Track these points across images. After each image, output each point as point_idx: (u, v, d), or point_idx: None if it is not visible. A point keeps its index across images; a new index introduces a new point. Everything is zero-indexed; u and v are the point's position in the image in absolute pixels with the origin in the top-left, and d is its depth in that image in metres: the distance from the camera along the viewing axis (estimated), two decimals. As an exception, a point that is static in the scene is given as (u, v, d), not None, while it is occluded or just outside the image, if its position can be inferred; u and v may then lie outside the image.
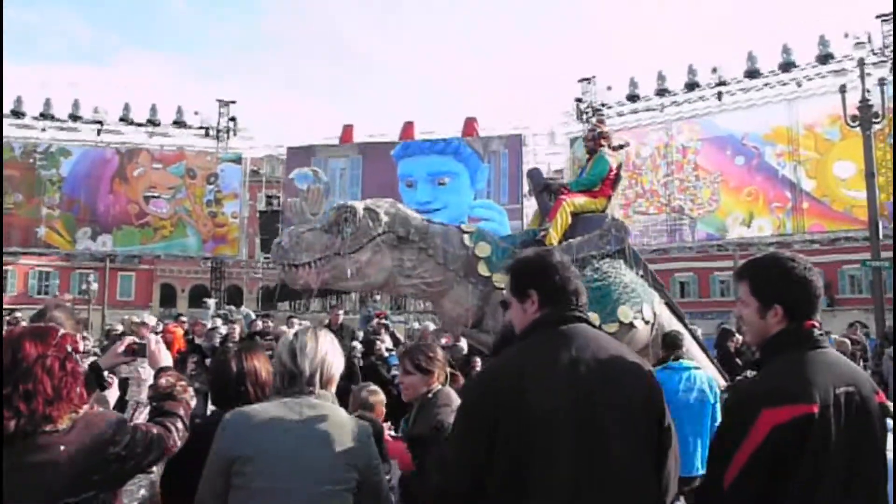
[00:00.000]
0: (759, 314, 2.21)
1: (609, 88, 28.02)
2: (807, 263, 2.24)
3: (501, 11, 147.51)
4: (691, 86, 25.82)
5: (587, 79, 28.56)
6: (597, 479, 1.95)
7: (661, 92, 26.44)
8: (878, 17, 23.05)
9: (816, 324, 2.19)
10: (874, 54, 21.99)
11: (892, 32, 22.61)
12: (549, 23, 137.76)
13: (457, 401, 3.16)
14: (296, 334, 2.50)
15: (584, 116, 28.31)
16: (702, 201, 25.46)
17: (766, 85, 24.74)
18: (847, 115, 18.46)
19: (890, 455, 3.29)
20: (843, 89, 18.80)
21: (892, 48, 22.37)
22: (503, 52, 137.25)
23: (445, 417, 3.03)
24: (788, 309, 2.16)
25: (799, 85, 24.25)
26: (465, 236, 6.76)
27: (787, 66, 24.10)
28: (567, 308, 2.18)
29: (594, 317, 6.47)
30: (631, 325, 6.38)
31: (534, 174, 8.48)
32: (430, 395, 3.40)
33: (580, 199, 7.36)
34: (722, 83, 25.31)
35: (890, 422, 3.43)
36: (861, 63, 19.55)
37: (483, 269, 6.60)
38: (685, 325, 7.19)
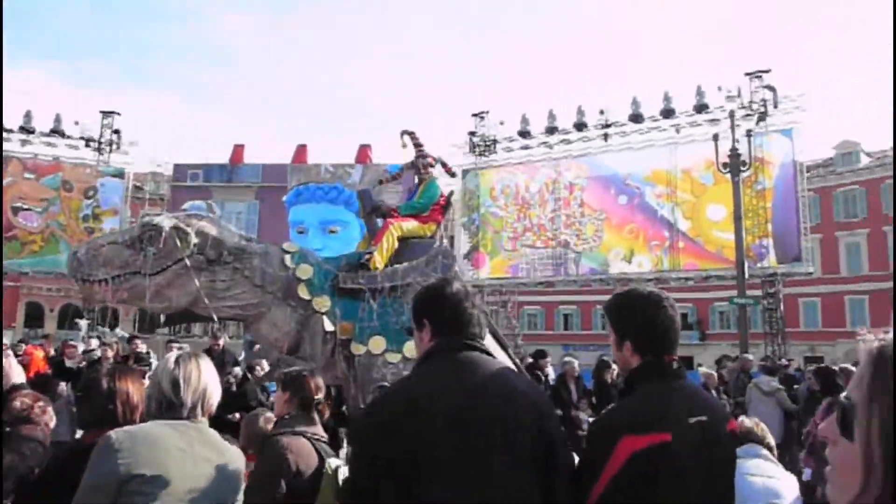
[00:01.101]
0: (617, 347, 2.32)
1: (501, 123, 28.87)
2: (660, 301, 2.32)
3: (399, 39, 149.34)
4: (580, 126, 26.95)
5: (480, 113, 29.25)
6: (478, 495, 1.96)
7: (551, 130, 27.45)
8: (747, 74, 24.86)
9: (675, 358, 2.32)
10: (743, 107, 23.68)
11: (760, 88, 24.47)
12: (446, 55, 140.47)
13: None
14: (177, 361, 2.42)
15: (477, 150, 28.97)
16: (586, 237, 26.49)
17: (648, 129, 26.14)
18: (719, 162, 19.72)
19: (757, 480, 3.52)
20: (716, 138, 20.11)
21: (761, 102, 24.20)
22: (400, 80, 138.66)
23: None
24: (637, 344, 2.27)
25: (678, 131, 25.75)
26: (287, 257, 6.57)
27: (667, 113, 25.60)
28: (459, 336, 2.19)
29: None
30: None
31: (364, 195, 8.29)
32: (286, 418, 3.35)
33: (409, 224, 7.27)
34: (608, 125, 26.56)
35: (758, 448, 3.66)
36: (731, 115, 20.98)
37: (304, 292, 6.41)
38: (509, 355, 7.22)
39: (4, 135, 27.51)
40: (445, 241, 8.35)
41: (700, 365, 21.72)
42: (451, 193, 7.95)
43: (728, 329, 36.45)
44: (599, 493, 2.02)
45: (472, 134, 29.11)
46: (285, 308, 6.38)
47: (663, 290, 2.48)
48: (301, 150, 30.45)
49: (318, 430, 3.22)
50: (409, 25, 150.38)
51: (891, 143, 41.40)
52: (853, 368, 5.47)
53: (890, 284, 35.22)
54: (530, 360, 11.19)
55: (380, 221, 7.49)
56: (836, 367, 7.71)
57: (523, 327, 36.64)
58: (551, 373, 11.59)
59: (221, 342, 11.07)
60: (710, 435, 2.16)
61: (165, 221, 6.01)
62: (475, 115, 29.37)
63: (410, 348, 6.50)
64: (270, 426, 3.94)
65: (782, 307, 25.09)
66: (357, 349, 6.40)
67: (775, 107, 24.48)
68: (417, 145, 7.98)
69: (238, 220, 28.76)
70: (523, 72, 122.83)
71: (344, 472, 2.72)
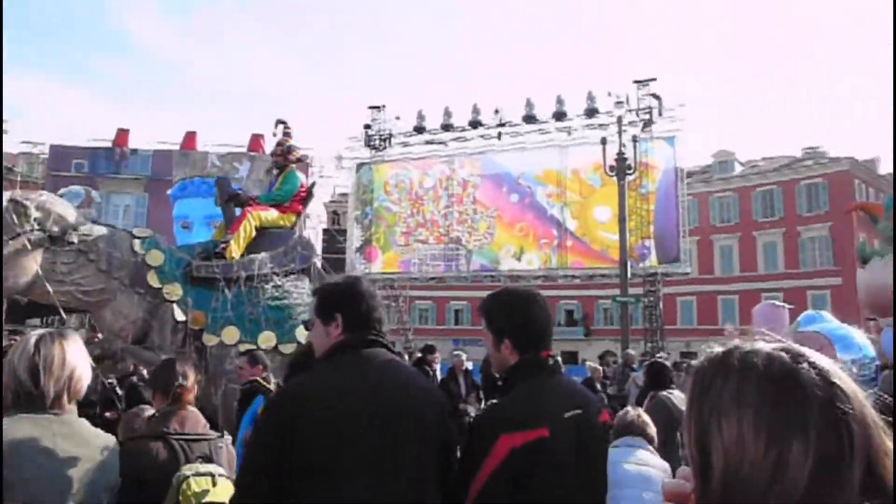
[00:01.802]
0: (494, 345, 2.35)
1: (398, 118, 28.77)
2: (534, 299, 2.40)
3: (299, 30, 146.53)
4: (475, 124, 27.20)
5: (377, 107, 29.09)
6: (393, 479, 1.98)
7: (447, 127, 27.59)
8: (635, 82, 25.84)
9: (551, 354, 2.39)
10: (630, 112, 24.62)
11: (646, 96, 25.51)
12: (344, 47, 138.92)
13: None
14: (37, 344, 2.12)
15: (372, 143, 28.81)
16: (478, 233, 26.87)
17: (541, 130, 26.71)
18: (606, 165, 20.48)
19: (631, 467, 3.67)
20: (603, 142, 20.87)
21: (647, 110, 25.24)
22: (296, 70, 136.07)
23: None
24: (515, 342, 2.31)
25: (569, 133, 26.43)
26: (137, 242, 6.29)
27: (559, 116, 26.19)
28: (369, 333, 2.21)
29: (270, 336, 6.31)
30: None
31: (222, 183, 8.07)
32: None
33: (268, 214, 7.14)
34: (502, 124, 26.92)
35: (638, 438, 3.82)
36: (619, 121, 21.81)
37: (153, 280, 6.16)
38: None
39: None
40: (306, 231, 8.21)
41: (585, 360, 22.49)
42: (314, 184, 7.83)
43: (611, 325, 37.83)
44: (478, 488, 2.07)
45: (368, 127, 28.89)
46: (132, 296, 6.09)
47: (537, 288, 2.56)
48: (190, 137, 29.39)
49: (195, 425, 2.94)
50: (310, 16, 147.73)
51: (762, 155, 44.27)
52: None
53: (758, 285, 37.69)
54: (419, 354, 11.26)
55: (238, 210, 7.29)
56: (671, 362, 8.15)
57: (414, 321, 36.80)
58: (439, 368, 11.75)
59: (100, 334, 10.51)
60: (584, 428, 2.24)
61: (4, 194, 5.59)
62: (372, 107, 29.17)
63: (266, 339, 6.35)
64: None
65: (661, 305, 26.30)
66: (209, 340, 6.20)
67: (660, 114, 25.55)
68: (286, 135, 7.85)
69: (126, 212, 27.56)
70: (421, 68, 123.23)
71: (196, 483, 2.55)
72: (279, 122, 7.89)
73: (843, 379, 0.90)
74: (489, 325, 2.38)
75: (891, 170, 43.17)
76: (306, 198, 7.61)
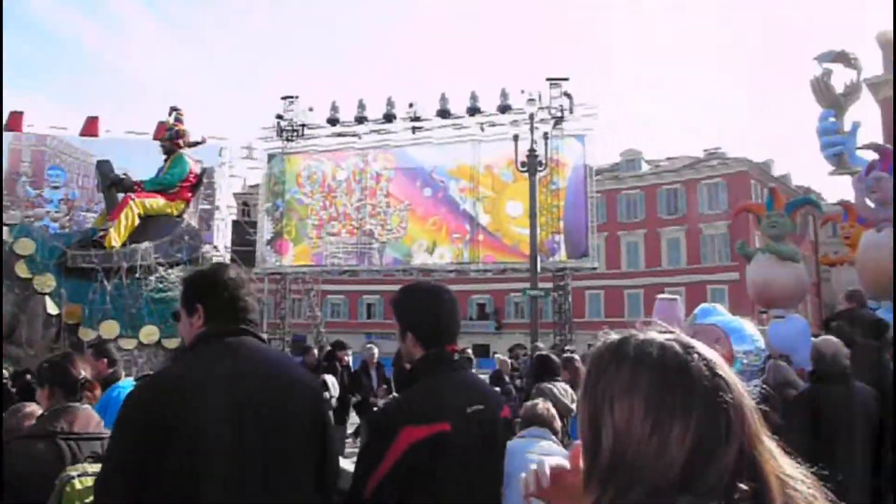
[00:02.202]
0: (402, 339, 2.37)
1: (311, 109, 28.35)
2: (441, 294, 2.43)
3: (211, 20, 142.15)
4: (389, 117, 27.09)
5: (290, 97, 28.56)
6: (263, 475, 1.93)
7: (361, 119, 27.37)
8: (548, 79, 26.30)
9: (456, 349, 2.41)
10: (542, 110, 25.05)
11: (558, 95, 26.02)
12: (257, 36, 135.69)
13: None
14: None
15: (285, 134, 28.30)
16: (391, 227, 26.79)
17: (454, 125, 26.85)
18: (518, 161, 20.75)
19: (534, 457, 3.73)
20: (516, 138, 21.14)
21: (559, 108, 25.76)
22: (208, 55, 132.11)
23: None
24: (420, 336, 2.33)
25: (482, 129, 26.66)
26: (5, 230, 6.05)
27: (473, 111, 26.39)
28: (233, 322, 2.13)
29: (153, 330, 6.05)
30: None
31: (102, 167, 7.66)
32: None
33: (153, 201, 6.83)
34: (417, 118, 26.93)
35: (544, 430, 3.89)
36: (532, 118, 22.11)
37: (22, 270, 5.82)
38: None
39: None
40: (194, 220, 7.91)
41: (496, 353, 22.82)
42: (204, 171, 7.57)
43: (522, 318, 38.52)
44: (378, 480, 2.06)
45: (281, 118, 28.34)
46: None
47: (444, 283, 2.57)
48: (92, 122, 28.07)
49: (86, 423, 2.80)
50: (223, 5, 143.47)
51: (667, 154, 45.91)
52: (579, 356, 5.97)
53: (662, 280, 39.13)
54: (328, 348, 11.17)
55: (121, 196, 6.98)
56: (580, 354, 8.41)
57: (326, 315, 36.43)
58: (351, 361, 11.74)
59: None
60: (486, 423, 2.27)
61: None
62: (285, 98, 28.62)
63: (148, 334, 6.08)
64: (32, 422, 3.58)
65: (570, 299, 26.95)
66: (86, 334, 5.90)
67: (571, 113, 26.11)
68: (178, 121, 7.59)
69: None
70: (335, 60, 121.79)
71: (81, 483, 2.44)
72: (172, 109, 7.61)
73: (726, 370, 0.96)
74: (397, 318, 2.39)
75: (784, 171, 45.58)
76: (196, 184, 7.32)
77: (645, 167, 44.28)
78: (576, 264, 25.95)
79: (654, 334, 1.00)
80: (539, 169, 20.69)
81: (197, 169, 7.14)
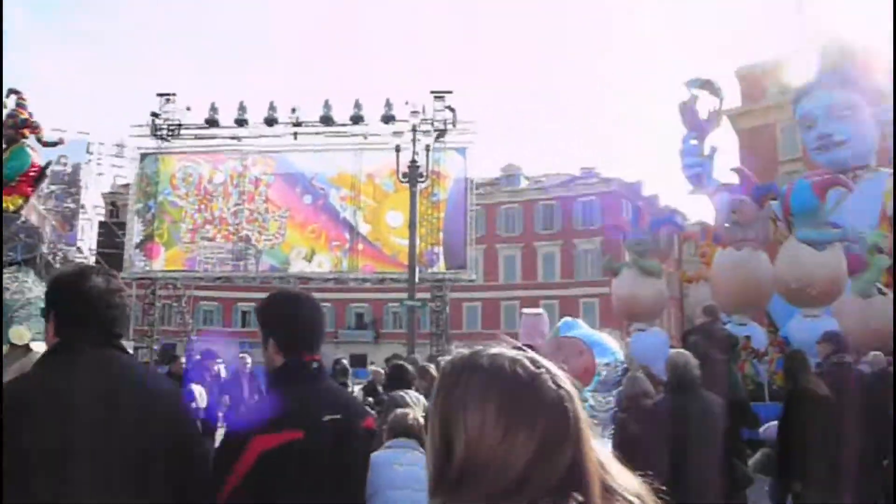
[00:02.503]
0: (264, 346, 2.35)
1: (188, 109, 27.38)
2: (303, 302, 2.41)
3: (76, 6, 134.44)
4: (270, 121, 26.54)
5: (167, 95, 27.47)
6: (102, 486, 1.84)
7: (241, 122, 26.67)
8: (432, 92, 26.61)
9: (317, 358, 2.40)
10: (425, 122, 25.30)
11: (442, 108, 26.37)
12: (133, 28, 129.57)
13: None
14: None
15: (160, 133, 27.20)
16: (269, 233, 26.24)
17: (337, 133, 26.65)
18: (400, 172, 20.87)
19: (400, 468, 3.74)
20: (398, 149, 21.25)
21: (442, 121, 26.09)
22: (74, 48, 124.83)
23: None
24: (280, 344, 2.31)
25: (365, 138, 26.60)
26: None
27: (357, 119, 26.28)
28: (87, 332, 1.99)
29: (21, 332, 5.77)
30: (28, 348, 5.39)
31: None
32: None
33: None
34: (299, 124, 26.52)
35: (413, 441, 3.90)
36: (414, 129, 22.30)
37: None
38: None
39: None
40: (33, 216, 7.46)
41: (373, 363, 22.73)
42: (48, 164, 7.17)
43: (401, 329, 38.49)
44: (229, 490, 2.03)
45: (156, 116, 27.18)
46: None
47: (308, 291, 2.57)
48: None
49: None
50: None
51: (545, 171, 47.45)
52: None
53: (538, 293, 40.33)
54: (198, 357, 10.80)
55: None
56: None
57: (198, 323, 35.18)
58: (223, 370, 11.42)
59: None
60: (344, 433, 2.26)
61: None
62: (161, 95, 27.49)
63: (18, 335, 5.75)
64: None
65: (448, 310, 27.27)
66: None
67: (453, 126, 26.54)
68: (20, 106, 7.14)
69: None
70: (216, 59, 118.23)
71: None
72: (11, 91, 7.09)
73: (568, 384, 1.04)
74: (259, 327, 2.38)
75: (653, 192, 48.09)
76: (38, 178, 6.88)
77: (524, 183, 45.58)
78: (454, 275, 26.30)
79: (505, 349, 1.07)
80: (420, 180, 20.87)
81: (40, 161, 6.66)
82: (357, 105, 26.34)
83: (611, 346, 4.49)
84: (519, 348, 1.08)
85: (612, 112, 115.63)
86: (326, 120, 26.36)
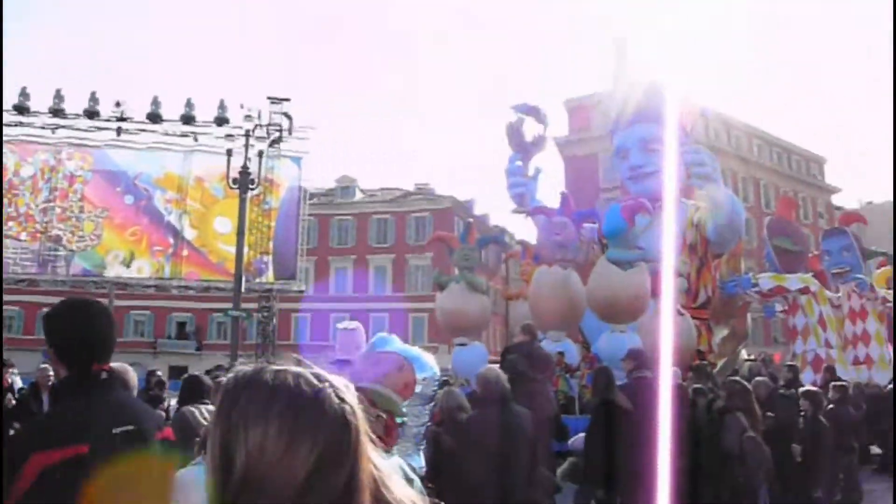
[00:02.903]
0: (51, 356, 2.24)
1: (-7, 92, 24.91)
2: (91, 311, 2.32)
3: None
4: (91, 114, 24.66)
5: (-33, 77, 24.87)
6: None
7: (57, 112, 24.60)
8: (269, 98, 25.98)
9: (105, 368, 2.30)
10: (260, 127, 24.68)
11: (278, 114, 25.78)
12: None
13: None
14: None
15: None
16: (83, 234, 24.35)
17: (165, 132, 25.26)
18: (230, 177, 20.22)
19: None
20: (229, 153, 20.63)
21: (277, 127, 25.52)
22: None
23: None
24: (62, 354, 2.22)
25: (196, 139, 25.36)
26: None
27: (188, 119, 24.98)
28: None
29: None
30: None
31: None
32: None
33: None
34: (123, 119, 24.86)
35: None
36: (248, 134, 21.77)
37: None
38: None
39: None
40: None
41: (196, 374, 21.61)
42: None
43: (225, 339, 37.17)
44: (10, 510, 1.90)
45: (-47, 97, 24.52)
46: None
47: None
48: None
49: None
50: None
51: (381, 185, 47.80)
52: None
53: (368, 305, 40.40)
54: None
55: None
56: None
57: (-5, 328, 31.92)
58: (19, 381, 10.65)
59: None
60: (138, 445, 2.20)
61: None
62: (-40, 75, 24.85)
63: None
64: None
65: (276, 321, 26.67)
66: None
67: (290, 133, 26.07)
68: None
69: None
70: (30, 41, 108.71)
71: None
72: None
73: (352, 399, 1.08)
74: (45, 336, 2.26)
75: (485, 210, 49.80)
76: None
77: (359, 195, 45.63)
78: (283, 286, 25.79)
79: (288, 366, 1.09)
80: (251, 187, 20.38)
81: None
82: (189, 104, 25.10)
83: (428, 362, 4.63)
84: (304, 366, 1.10)
85: (447, 131, 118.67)
86: (154, 117, 24.90)
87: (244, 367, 1.10)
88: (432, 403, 4.67)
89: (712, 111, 40.20)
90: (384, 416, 3.61)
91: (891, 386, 9.35)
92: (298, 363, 1.13)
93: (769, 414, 7.50)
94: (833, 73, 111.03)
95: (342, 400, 1.05)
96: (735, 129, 45.40)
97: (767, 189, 47.13)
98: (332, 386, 1.07)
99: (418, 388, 4.57)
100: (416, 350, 4.66)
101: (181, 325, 41.20)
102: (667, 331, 8.77)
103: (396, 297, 40.78)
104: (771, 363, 14.53)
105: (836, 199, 54.26)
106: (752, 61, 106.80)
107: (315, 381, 1.05)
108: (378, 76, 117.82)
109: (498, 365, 8.32)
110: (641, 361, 7.27)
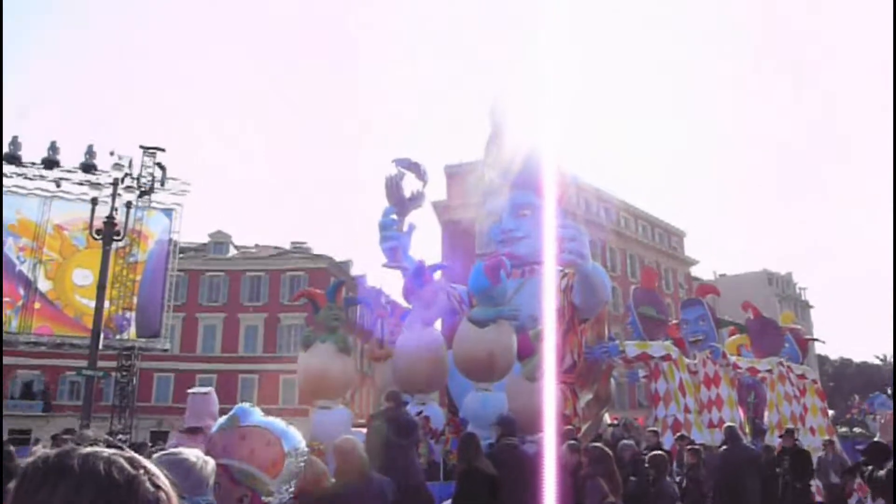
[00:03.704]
0: None
1: None
2: None
3: None
4: (-64, 151, 22.92)
5: None
6: None
7: None
8: (142, 147, 25.00)
9: None
10: (130, 177, 23.67)
11: (151, 164, 24.82)
12: None
13: None
14: None
15: None
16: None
17: (22, 175, 23.75)
18: (94, 227, 19.17)
19: None
20: (94, 202, 19.60)
21: (149, 178, 24.54)
22: None
23: None
24: None
25: (58, 185, 24.03)
26: None
27: (50, 164, 23.63)
28: None
29: None
30: None
31: None
32: None
33: None
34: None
35: None
36: (116, 183, 20.81)
37: None
38: None
39: None
40: None
41: (39, 439, 19.90)
42: None
43: (78, 401, 34.61)
44: None
45: None
46: None
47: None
48: None
49: None
50: None
51: (255, 241, 46.73)
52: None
53: (237, 366, 38.94)
54: None
55: None
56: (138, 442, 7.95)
57: None
58: None
59: None
60: None
61: None
62: None
63: None
64: None
65: (136, 381, 25.11)
66: None
67: (162, 185, 25.14)
68: None
69: None
70: None
71: None
72: None
73: (166, 484, 1.00)
74: None
75: (362, 271, 49.57)
76: None
77: (233, 251, 44.36)
78: (146, 344, 24.44)
79: (99, 448, 0.99)
80: (116, 238, 19.40)
81: None
82: (52, 147, 23.81)
83: (296, 436, 4.46)
84: (117, 445, 1.02)
85: (327, 190, 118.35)
86: (12, 158, 23.40)
87: (46, 450, 1.00)
88: (294, 479, 4.49)
89: (582, 181, 42.36)
90: (249, 495, 3.40)
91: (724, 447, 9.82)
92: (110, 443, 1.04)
93: (632, 478, 7.71)
94: (692, 149, 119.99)
95: (157, 487, 0.97)
96: (605, 200, 47.90)
97: (633, 259, 49.70)
98: (146, 472, 0.98)
99: (292, 461, 4.37)
100: (281, 422, 4.48)
101: (27, 384, 38.02)
102: (549, 397, 8.91)
103: (267, 358, 39.52)
104: (634, 427, 15.03)
105: (695, 271, 57.97)
106: (619, 134, 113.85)
107: (128, 468, 0.96)
108: (258, 134, 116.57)
109: (365, 431, 8.16)
110: (509, 428, 7.35)
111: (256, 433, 4.10)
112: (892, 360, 79.87)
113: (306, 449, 4.33)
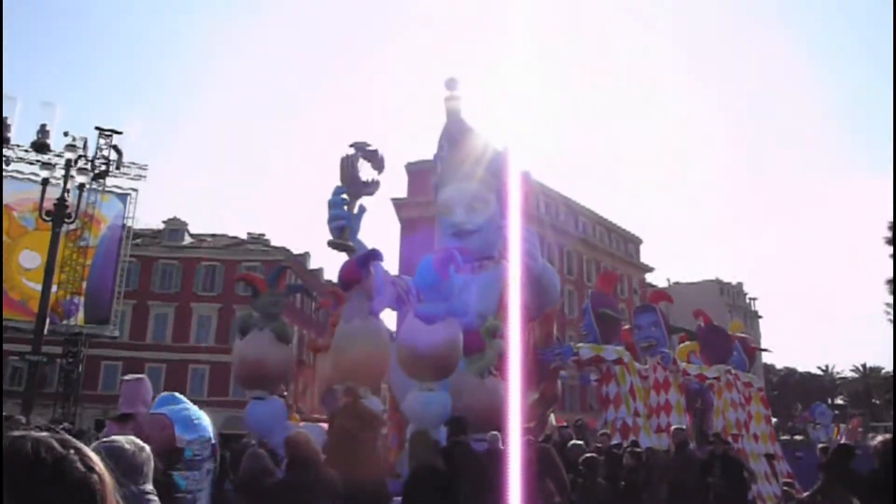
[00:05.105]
0: None
1: None
2: None
3: None
4: None
5: None
6: None
7: None
8: (98, 129, 24.47)
9: None
10: (84, 159, 23.10)
11: (107, 147, 24.29)
12: None
13: None
14: None
15: None
16: None
17: (-30, 152, 23.07)
18: (44, 209, 18.63)
19: None
20: (45, 182, 19.06)
21: (104, 161, 23.98)
22: None
23: None
24: None
25: (8, 163, 23.38)
26: None
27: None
28: None
29: None
30: None
31: None
32: None
33: None
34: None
35: None
36: (69, 164, 20.26)
37: None
38: None
39: None
40: None
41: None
42: None
43: (20, 387, 33.70)
44: None
45: None
46: None
47: None
48: None
49: None
50: None
51: (212, 230, 46.03)
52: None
53: (188, 356, 38.34)
54: None
55: None
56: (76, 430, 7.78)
57: None
58: None
59: None
60: None
61: None
62: None
63: None
64: None
65: (82, 368, 24.54)
66: None
67: (118, 168, 24.61)
68: None
69: None
70: None
71: None
72: None
73: (101, 466, 0.97)
74: None
75: (319, 265, 49.20)
76: None
77: (188, 239, 43.63)
78: (94, 330, 23.90)
79: (30, 431, 0.96)
80: (68, 221, 18.90)
81: None
82: (3, 124, 23.11)
83: (203, 423, 4.45)
84: (51, 429, 0.99)
85: (286, 182, 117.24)
86: (-43, 135, 22.69)
87: None
88: (210, 466, 4.44)
89: (541, 183, 42.59)
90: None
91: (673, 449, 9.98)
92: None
93: (579, 479, 7.81)
94: (653, 159, 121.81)
95: (89, 468, 0.95)
96: (562, 203, 48.28)
97: (589, 263, 50.19)
98: (78, 452, 0.96)
99: (194, 450, 4.32)
100: (192, 411, 4.43)
101: (-33, 368, 36.93)
102: (515, 394, 8.86)
103: (219, 349, 38.98)
104: (586, 429, 15.14)
105: (649, 277, 58.87)
106: (578, 138, 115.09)
107: (58, 448, 0.94)
108: (223, 122, 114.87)
109: (327, 427, 8.05)
110: (459, 427, 7.38)
111: (155, 420, 4.10)
112: (833, 371, 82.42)
113: (209, 437, 4.31)
